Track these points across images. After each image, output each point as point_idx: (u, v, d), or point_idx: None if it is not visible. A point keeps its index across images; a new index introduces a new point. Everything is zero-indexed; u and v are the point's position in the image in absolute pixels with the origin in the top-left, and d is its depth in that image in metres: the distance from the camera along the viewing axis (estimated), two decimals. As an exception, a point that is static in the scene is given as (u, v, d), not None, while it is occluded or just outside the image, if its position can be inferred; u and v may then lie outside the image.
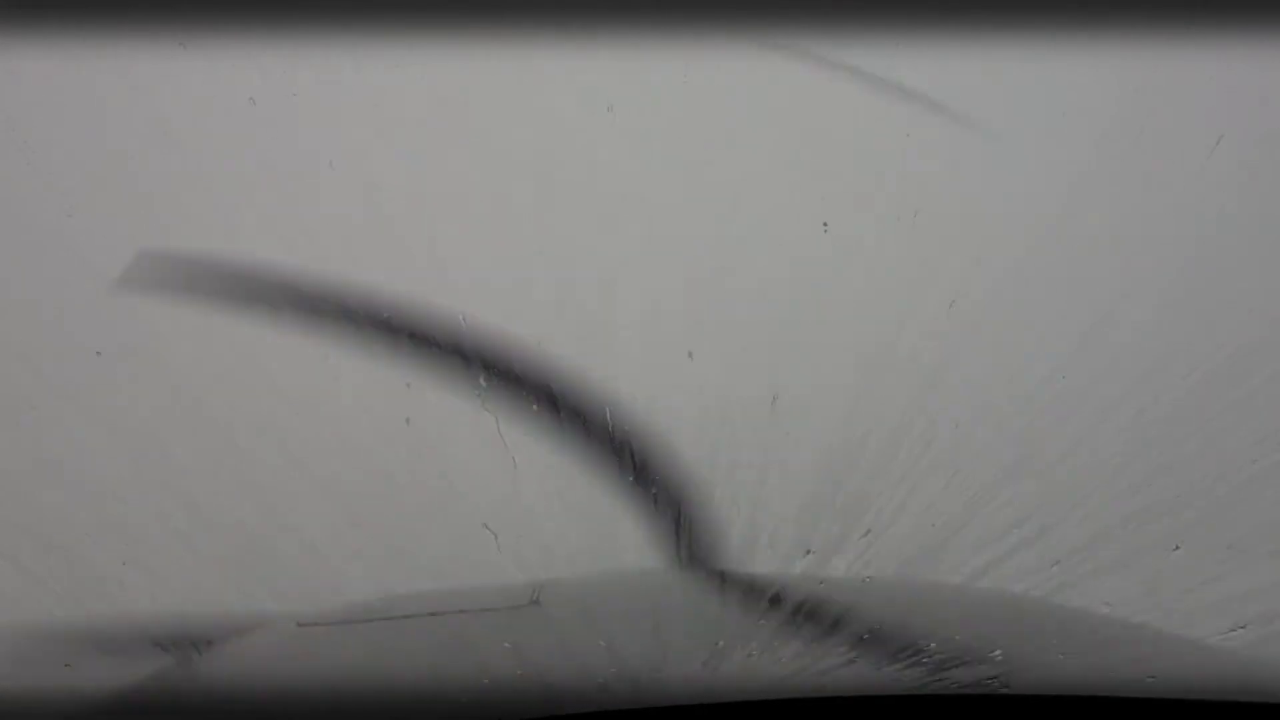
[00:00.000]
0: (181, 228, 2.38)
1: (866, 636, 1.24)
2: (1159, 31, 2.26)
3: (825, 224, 2.26)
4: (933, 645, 1.18)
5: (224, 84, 2.43)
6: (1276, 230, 2.26)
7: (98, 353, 2.25)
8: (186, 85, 2.44)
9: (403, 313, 2.23)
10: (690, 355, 2.19)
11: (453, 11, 2.37)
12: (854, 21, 2.34)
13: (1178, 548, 1.86)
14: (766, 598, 1.51)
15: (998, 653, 1.18)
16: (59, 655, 1.87)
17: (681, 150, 2.41)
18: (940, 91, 2.39)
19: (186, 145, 2.43)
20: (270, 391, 2.22)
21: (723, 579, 1.81)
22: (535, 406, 2.16)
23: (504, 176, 2.38)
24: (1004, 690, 1.00)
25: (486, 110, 2.42)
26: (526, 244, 2.34)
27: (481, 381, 2.17)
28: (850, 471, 2.13)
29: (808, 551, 2.04)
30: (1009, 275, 2.27)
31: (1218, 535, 1.91)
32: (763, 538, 2.12)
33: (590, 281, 2.30)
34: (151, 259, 2.32)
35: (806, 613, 1.39)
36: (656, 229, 2.34)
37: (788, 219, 2.32)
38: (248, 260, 2.29)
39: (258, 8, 2.39)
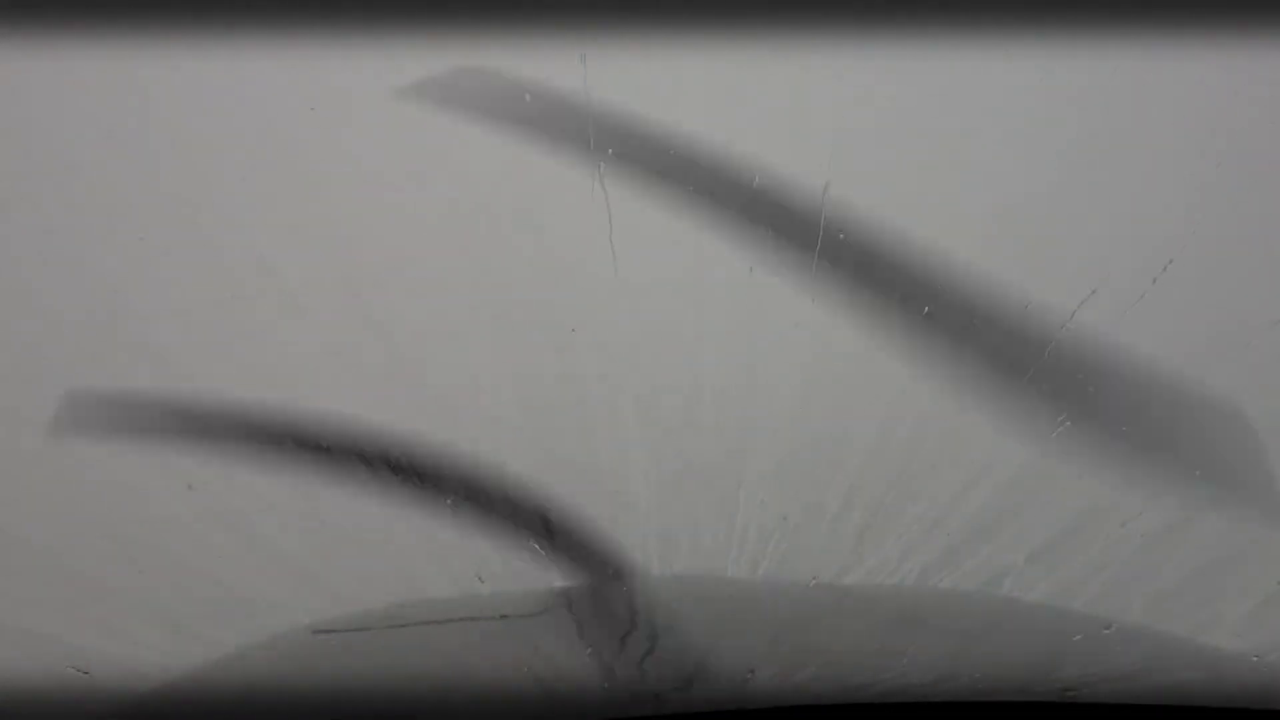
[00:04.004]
0: (180, 229, 2.37)
1: (875, 644, 1.26)
2: (1158, 31, 2.27)
3: (841, 235, 2.27)
4: (938, 653, 1.19)
5: (224, 84, 2.43)
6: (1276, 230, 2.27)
7: (101, 356, 2.25)
8: (187, 85, 2.44)
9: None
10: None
11: (456, 12, 2.38)
12: (855, 20, 2.34)
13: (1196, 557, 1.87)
14: (783, 604, 1.52)
15: (1006, 660, 1.19)
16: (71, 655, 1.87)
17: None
18: (940, 91, 2.40)
19: (187, 146, 2.43)
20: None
21: (734, 585, 1.82)
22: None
23: (512, 175, 2.39)
24: (1017, 698, 1.01)
25: (493, 110, 2.42)
26: (513, 245, 2.35)
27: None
28: (849, 473, 2.14)
29: (819, 557, 2.05)
30: (1003, 274, 2.27)
31: (1240, 546, 1.92)
32: (772, 542, 2.13)
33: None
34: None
35: (819, 619, 1.41)
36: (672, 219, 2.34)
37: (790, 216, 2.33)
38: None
39: (259, 7, 2.39)
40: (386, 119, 2.43)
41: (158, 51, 2.43)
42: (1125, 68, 2.34)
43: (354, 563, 2.02)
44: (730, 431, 2.19)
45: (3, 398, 2.21)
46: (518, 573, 2.05)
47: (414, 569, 2.02)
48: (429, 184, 2.41)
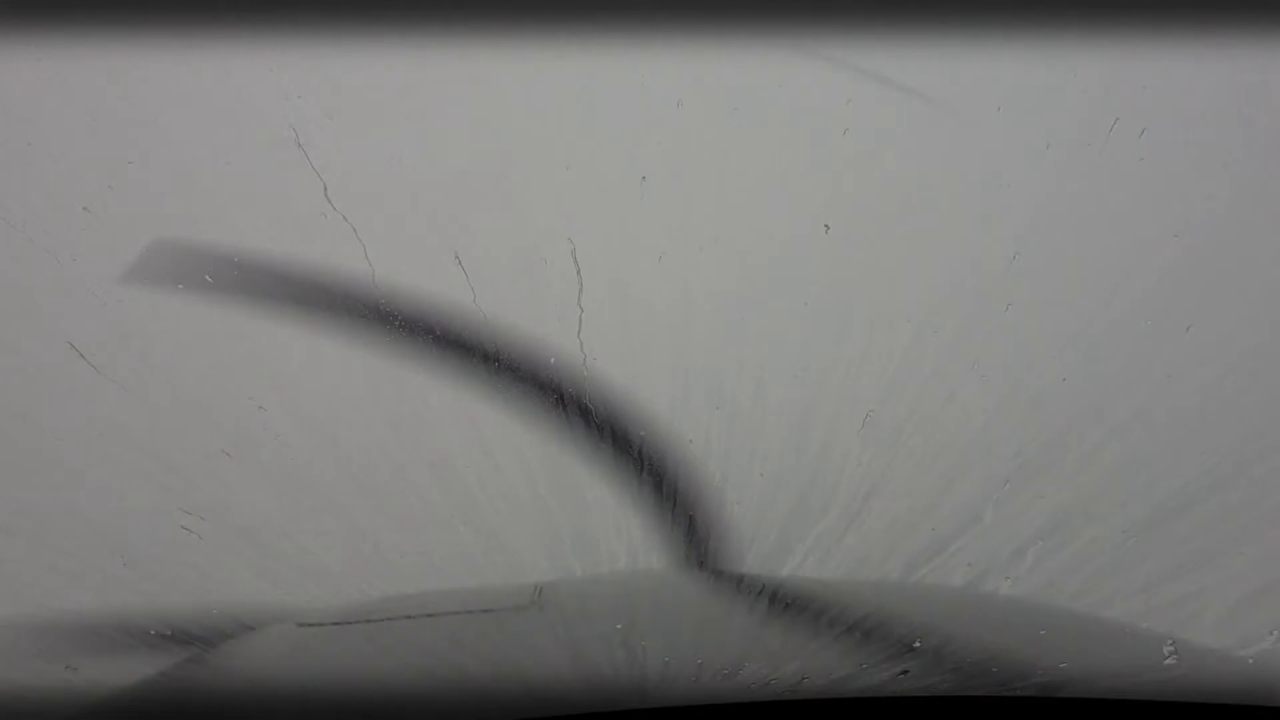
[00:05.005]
0: (180, 228, 2.38)
1: (864, 638, 1.25)
2: (1153, 30, 2.25)
3: (827, 226, 2.26)
4: (932, 647, 1.18)
5: (222, 84, 2.43)
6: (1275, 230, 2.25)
7: (97, 351, 2.26)
8: (186, 85, 2.44)
9: (409, 307, 2.24)
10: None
11: (452, 10, 2.37)
12: (855, 20, 2.33)
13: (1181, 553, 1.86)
14: (768, 598, 1.51)
15: (997, 655, 1.18)
16: (60, 651, 1.88)
17: (682, 149, 2.40)
18: (940, 90, 2.38)
19: (186, 145, 2.43)
20: (270, 385, 2.23)
21: (723, 579, 1.81)
22: (543, 405, 2.17)
23: (507, 173, 2.38)
24: (1001, 692, 1.00)
25: (490, 108, 2.42)
26: (529, 243, 2.34)
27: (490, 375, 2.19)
28: (844, 472, 2.13)
29: (805, 552, 2.04)
30: (1009, 274, 2.26)
31: (1222, 539, 1.90)
32: (762, 538, 2.12)
33: (595, 281, 2.31)
34: (161, 251, 2.33)
35: (805, 613, 1.39)
36: (666, 225, 2.33)
37: (788, 218, 2.32)
38: (253, 252, 2.30)
39: (258, 8, 2.39)
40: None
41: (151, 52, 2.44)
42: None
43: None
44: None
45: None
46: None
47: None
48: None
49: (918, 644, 1.20)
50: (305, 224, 2.35)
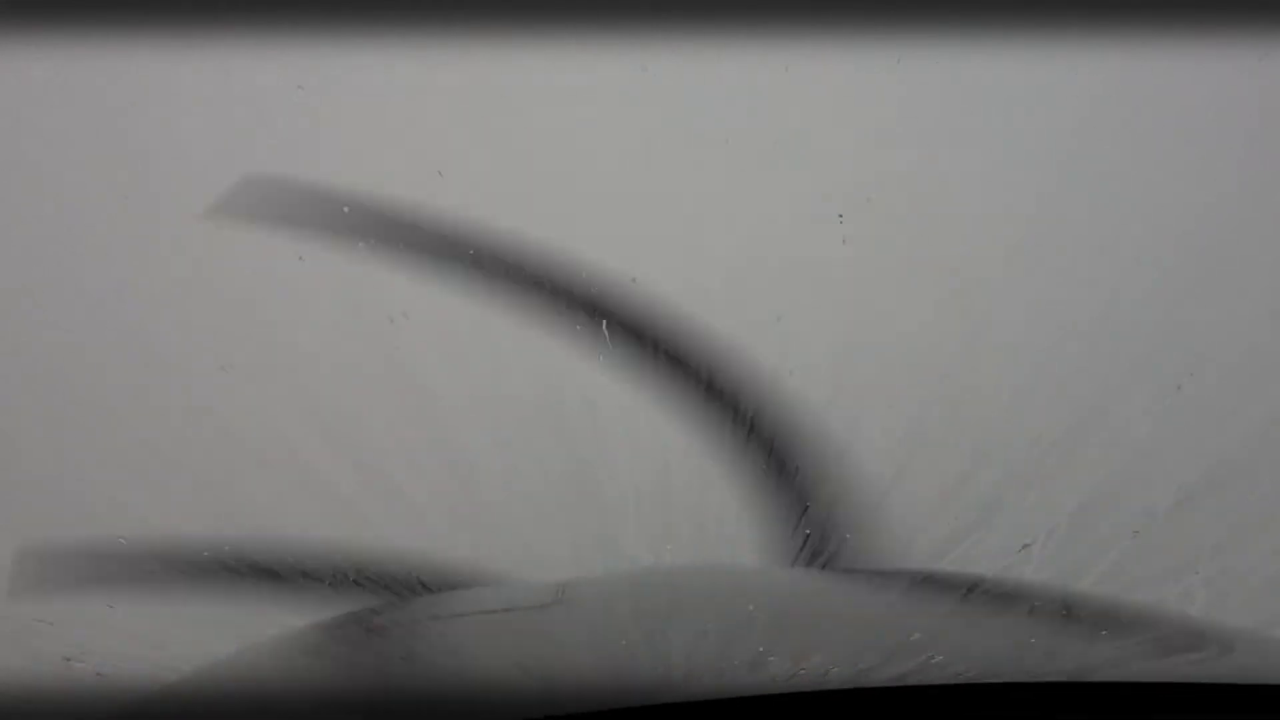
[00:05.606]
0: (180, 225, 2.37)
1: (874, 630, 1.25)
2: (1157, 30, 2.28)
3: (840, 216, 2.27)
4: (946, 639, 1.19)
5: (223, 84, 2.43)
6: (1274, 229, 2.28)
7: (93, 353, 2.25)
8: (186, 85, 2.43)
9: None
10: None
11: (454, 10, 2.38)
12: (857, 19, 2.35)
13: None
14: (784, 595, 1.51)
15: (1023, 641, 1.19)
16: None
17: (691, 146, 2.41)
18: (940, 88, 2.41)
19: (186, 145, 2.42)
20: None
21: (742, 575, 1.81)
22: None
23: (515, 173, 2.38)
24: (1030, 678, 1.01)
25: (494, 107, 2.42)
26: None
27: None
28: (852, 465, 2.15)
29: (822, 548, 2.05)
30: (1013, 271, 2.28)
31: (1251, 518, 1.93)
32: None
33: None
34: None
35: (813, 609, 1.40)
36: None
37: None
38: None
39: (258, 7, 2.39)
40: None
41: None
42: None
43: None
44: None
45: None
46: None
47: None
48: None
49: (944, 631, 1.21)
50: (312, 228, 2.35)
